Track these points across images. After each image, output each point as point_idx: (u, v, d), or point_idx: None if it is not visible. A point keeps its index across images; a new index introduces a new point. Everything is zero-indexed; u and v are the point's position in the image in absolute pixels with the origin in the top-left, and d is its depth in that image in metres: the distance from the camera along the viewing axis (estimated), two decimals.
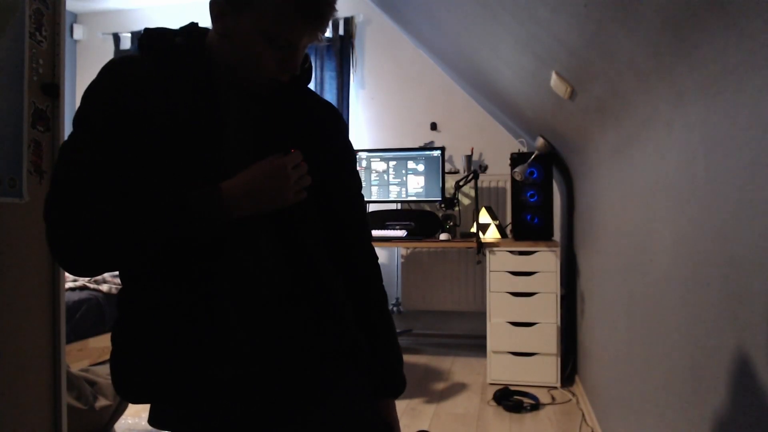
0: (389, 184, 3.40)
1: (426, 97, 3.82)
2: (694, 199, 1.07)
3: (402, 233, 3.08)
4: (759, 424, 0.80)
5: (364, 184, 3.36)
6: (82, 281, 3.03)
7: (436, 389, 2.85)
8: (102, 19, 4.33)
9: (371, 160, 3.43)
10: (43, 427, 1.56)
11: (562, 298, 2.86)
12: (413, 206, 3.52)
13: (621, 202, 1.74)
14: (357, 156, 3.37)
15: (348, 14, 3.83)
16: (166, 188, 0.85)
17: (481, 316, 3.28)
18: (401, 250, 3.74)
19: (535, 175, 2.89)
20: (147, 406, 0.93)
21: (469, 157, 3.58)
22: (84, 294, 2.95)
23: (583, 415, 2.42)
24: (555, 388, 2.79)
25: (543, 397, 2.66)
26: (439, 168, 3.32)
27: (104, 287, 3.06)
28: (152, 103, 0.86)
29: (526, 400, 2.58)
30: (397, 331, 3.64)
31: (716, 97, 0.94)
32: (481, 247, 2.87)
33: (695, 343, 1.06)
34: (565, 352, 2.96)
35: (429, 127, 3.81)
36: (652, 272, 1.36)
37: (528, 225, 2.91)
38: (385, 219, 3.31)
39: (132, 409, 2.32)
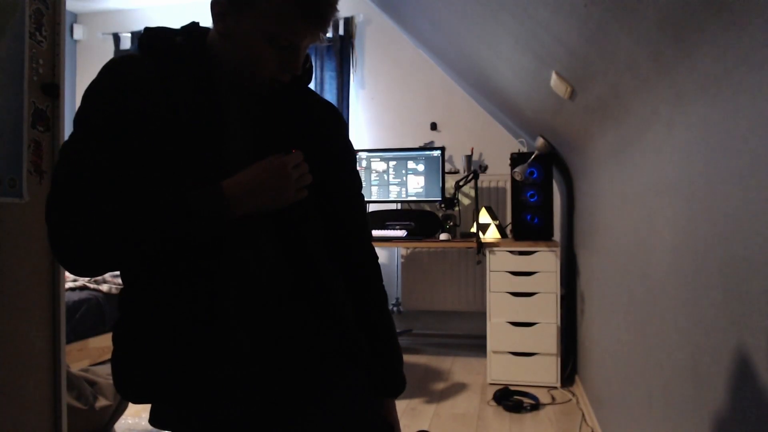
0: (389, 184, 3.40)
1: (426, 97, 3.82)
2: (694, 199, 1.07)
3: (402, 233, 3.08)
4: (759, 424, 0.80)
5: (364, 184, 3.36)
6: (82, 281, 3.03)
7: (436, 389, 2.85)
8: (102, 19, 4.33)
9: (371, 160, 3.43)
10: (43, 427, 1.56)
11: (562, 298, 2.86)
12: (413, 206, 3.52)
13: (621, 202, 1.74)
14: (357, 156, 3.37)
15: (348, 14, 3.83)
16: (167, 188, 0.85)
17: (481, 316, 3.28)
18: (401, 250, 3.74)
19: (535, 175, 2.89)
20: (147, 406, 0.93)
21: (469, 157, 3.58)
22: (84, 294, 2.95)
23: (583, 415, 2.42)
24: (555, 388, 2.79)
25: (543, 397, 2.66)
26: (439, 168, 3.32)
27: (104, 287, 3.06)
28: (153, 102, 0.87)
29: (526, 400, 2.58)
30: (397, 331, 3.64)
31: (716, 97, 0.94)
32: (481, 247, 2.87)
33: (695, 342, 1.06)
34: (565, 352, 2.96)
35: (429, 127, 3.81)
36: (652, 272, 1.36)
37: (528, 225, 2.91)
38: (385, 219, 3.31)
39: (132, 409, 2.32)
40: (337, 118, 1.08)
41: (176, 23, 0.97)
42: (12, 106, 1.45)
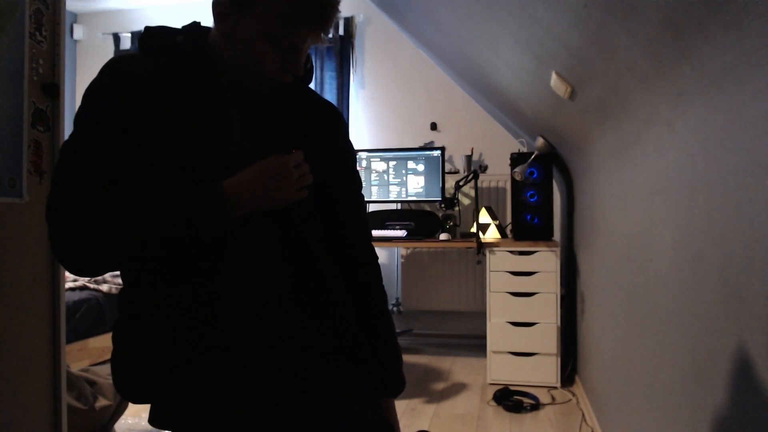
0: (389, 184, 3.40)
1: (426, 97, 3.82)
2: (694, 199, 1.07)
3: (402, 233, 3.08)
4: (759, 424, 0.80)
5: (364, 184, 3.36)
6: (82, 281, 3.03)
7: (436, 389, 2.85)
8: (102, 19, 4.33)
9: (371, 160, 3.43)
10: (43, 427, 1.56)
11: (562, 298, 2.86)
12: (413, 206, 3.52)
13: (621, 202, 1.74)
14: (357, 156, 3.37)
15: (348, 14, 3.83)
16: (168, 187, 0.85)
17: (481, 316, 3.28)
18: (401, 250, 3.74)
19: (535, 175, 2.89)
20: (147, 406, 0.93)
21: (469, 157, 3.58)
22: (84, 294, 2.95)
23: (583, 415, 2.42)
24: (555, 388, 2.79)
25: (543, 397, 2.66)
26: (439, 168, 3.32)
27: (104, 287, 3.06)
28: (153, 102, 0.86)
29: (526, 400, 2.58)
30: (397, 331, 3.64)
31: (716, 97, 0.94)
32: (481, 247, 2.87)
33: (695, 342, 1.06)
34: (565, 352, 2.96)
35: (429, 127, 3.81)
36: (652, 272, 1.36)
37: (528, 225, 2.91)
38: (385, 219, 3.31)
39: (132, 409, 2.32)
40: (337, 118, 1.08)
41: (176, 23, 0.97)
42: (12, 106, 1.45)
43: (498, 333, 2.84)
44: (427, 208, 3.59)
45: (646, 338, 1.43)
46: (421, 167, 3.36)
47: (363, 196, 1.12)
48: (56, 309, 1.59)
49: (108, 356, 0.94)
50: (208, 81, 0.91)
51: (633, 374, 1.58)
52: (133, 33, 4.20)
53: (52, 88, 1.56)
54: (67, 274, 2.42)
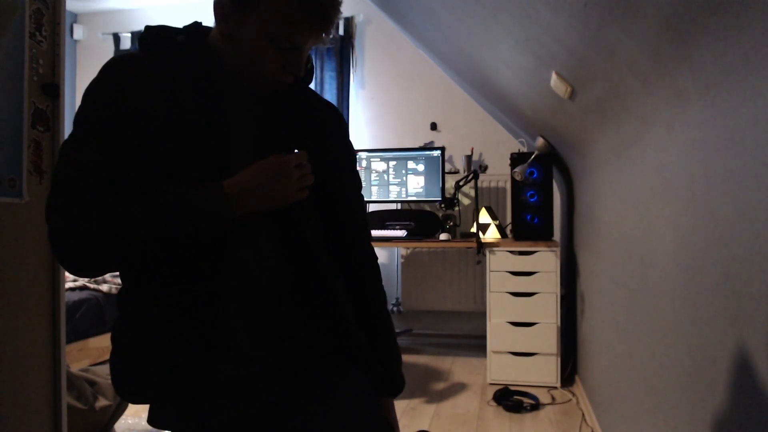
0: (389, 184, 3.40)
1: (426, 97, 3.82)
2: (694, 199, 1.07)
3: (402, 233, 3.08)
4: (759, 424, 0.80)
5: (364, 184, 3.36)
6: (82, 281, 3.03)
7: (436, 389, 2.85)
8: (102, 19, 4.33)
9: (371, 160, 3.43)
10: (43, 427, 1.56)
11: (562, 298, 2.86)
12: (413, 206, 3.52)
13: (621, 202, 1.74)
14: (357, 156, 3.37)
15: (348, 14, 3.83)
16: (169, 187, 0.85)
17: (481, 316, 3.28)
18: (401, 250, 3.74)
19: (535, 175, 2.89)
20: (147, 406, 0.93)
21: (469, 157, 3.58)
22: (84, 294, 2.95)
23: (583, 415, 2.42)
24: (555, 388, 2.79)
25: (543, 397, 2.66)
26: (439, 168, 3.32)
27: (104, 287, 3.06)
28: (154, 102, 0.86)
29: (526, 400, 2.58)
30: (397, 331, 3.64)
31: (716, 97, 0.94)
32: (481, 247, 2.87)
33: (695, 342, 1.06)
34: (565, 352, 2.96)
35: (429, 127, 3.81)
36: (652, 272, 1.36)
37: (528, 225, 2.91)
38: (385, 219, 3.31)
39: (132, 409, 2.32)
40: (337, 119, 1.08)
41: (176, 23, 0.97)
42: (12, 106, 1.45)
43: (498, 333, 2.84)
44: (427, 208, 3.59)
45: (646, 338, 1.43)
46: (421, 167, 3.36)
47: (363, 197, 1.12)
48: (56, 309, 1.59)
49: (108, 356, 0.94)
50: (208, 81, 0.91)
51: (633, 374, 1.58)
52: (133, 33, 4.20)
53: (52, 88, 1.56)
54: (67, 274, 2.42)
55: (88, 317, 2.86)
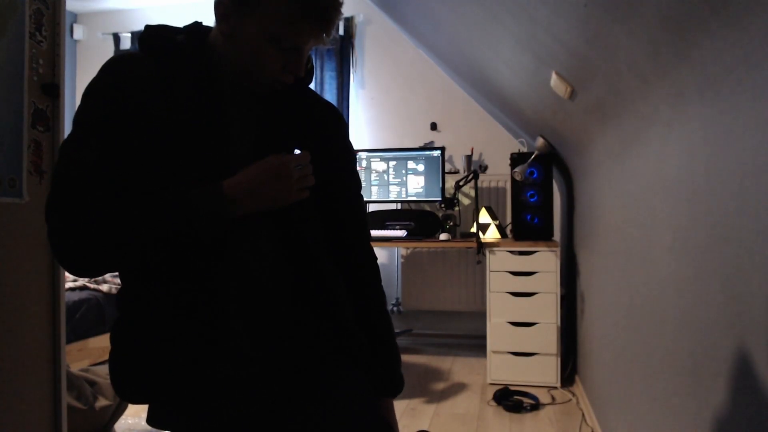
0: (389, 184, 3.40)
1: (426, 97, 3.82)
2: (694, 199, 1.07)
3: (402, 233, 3.08)
4: (759, 424, 0.80)
5: (364, 184, 3.37)
6: (82, 281, 3.03)
7: (436, 389, 2.85)
8: (102, 19, 4.33)
9: (371, 160, 3.43)
10: (43, 427, 1.56)
11: (562, 298, 2.86)
12: (413, 206, 3.52)
13: (621, 202, 1.74)
14: (357, 156, 3.37)
15: (348, 14, 3.83)
16: (169, 187, 0.85)
17: (481, 316, 3.28)
18: (401, 250, 3.74)
19: (535, 175, 2.89)
20: (147, 406, 0.93)
21: (469, 157, 3.58)
22: (84, 294, 2.95)
23: (583, 415, 2.42)
24: (555, 388, 2.79)
25: (543, 397, 2.66)
26: (439, 168, 3.32)
27: (104, 287, 3.06)
28: (154, 101, 0.86)
29: (526, 400, 2.58)
30: (397, 331, 3.64)
31: (716, 97, 0.94)
32: (481, 247, 2.87)
33: (695, 342, 1.06)
34: (565, 352, 2.96)
35: (429, 127, 3.81)
36: (652, 272, 1.36)
37: (528, 225, 2.91)
38: (385, 219, 3.31)
39: (132, 409, 2.32)
40: (337, 119, 1.08)
41: (176, 23, 0.97)
42: (12, 106, 1.45)
43: (498, 333, 2.84)
44: (427, 208, 3.59)
45: (646, 338, 1.43)
46: (421, 167, 3.36)
47: (362, 197, 1.12)
48: (56, 309, 1.59)
49: (108, 356, 0.94)
50: (208, 81, 0.91)
51: (633, 374, 1.58)
52: (133, 33, 4.20)
53: (52, 88, 1.56)
54: (67, 274, 2.42)
55: (88, 317, 2.86)
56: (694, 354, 1.06)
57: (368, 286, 1.08)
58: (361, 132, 3.92)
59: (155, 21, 0.95)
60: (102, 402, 2.05)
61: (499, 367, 2.85)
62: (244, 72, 0.90)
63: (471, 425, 2.36)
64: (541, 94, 2.10)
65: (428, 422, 2.40)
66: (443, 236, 3.08)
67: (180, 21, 0.95)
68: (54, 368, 1.58)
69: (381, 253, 3.76)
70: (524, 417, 2.45)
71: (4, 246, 1.45)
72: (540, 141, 2.79)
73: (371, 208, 3.61)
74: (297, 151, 0.94)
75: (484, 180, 3.62)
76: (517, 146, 3.29)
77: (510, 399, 2.57)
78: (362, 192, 1.11)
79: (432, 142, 3.75)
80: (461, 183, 3.16)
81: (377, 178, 3.42)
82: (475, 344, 3.57)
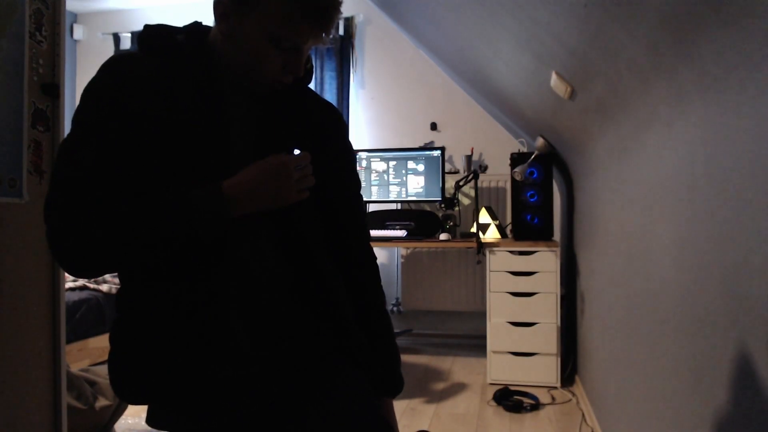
0: (389, 184, 3.40)
1: (426, 97, 3.82)
2: (694, 199, 1.07)
3: (402, 233, 3.08)
4: (759, 424, 0.80)
5: (364, 184, 3.37)
6: (82, 281, 3.03)
7: (436, 389, 2.84)
8: (102, 19, 4.33)
9: (371, 160, 3.43)
10: (43, 427, 1.56)
11: (562, 298, 2.86)
12: (413, 206, 3.52)
13: (621, 202, 1.74)
14: (357, 156, 3.37)
15: (348, 14, 3.83)
16: (169, 188, 0.85)
17: (481, 316, 3.28)
18: (401, 250, 3.74)
19: (535, 175, 2.89)
20: (147, 406, 0.93)
21: (469, 157, 3.58)
22: (84, 294, 2.95)
23: (583, 415, 2.42)
24: (555, 388, 2.79)
25: (543, 397, 2.66)
26: (439, 168, 3.32)
27: (104, 287, 3.06)
28: (153, 101, 0.86)
29: (526, 400, 2.58)
30: (397, 331, 3.64)
31: (716, 96, 0.94)
32: (481, 247, 2.87)
33: (695, 342, 1.06)
34: (565, 352, 2.96)
35: (429, 127, 3.81)
36: (652, 272, 1.36)
37: (528, 225, 2.91)
38: (385, 219, 3.31)
39: (132, 409, 2.32)
40: (337, 119, 1.08)
41: (176, 23, 0.97)
42: (12, 106, 1.45)
43: (498, 333, 2.84)
44: (427, 208, 3.59)
45: (646, 338, 1.43)
46: (421, 167, 3.36)
47: (362, 197, 1.12)
48: (56, 309, 1.59)
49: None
50: (208, 81, 0.91)
51: (633, 374, 1.58)
52: (133, 33, 4.20)
53: (52, 88, 1.56)
54: (67, 273, 2.42)
55: (88, 317, 2.86)
56: (694, 354, 1.06)
57: (368, 286, 1.08)
58: (361, 132, 3.92)
59: (155, 21, 0.95)
60: (102, 402, 2.05)
61: (499, 367, 2.85)
62: (244, 72, 0.90)
63: (471, 425, 2.36)
64: (541, 94, 2.10)
65: (428, 422, 2.40)
66: (443, 236, 3.08)
67: (180, 21, 0.95)
68: (54, 368, 1.58)
69: (381, 253, 3.76)
70: (524, 417, 2.45)
71: (4, 246, 1.45)
72: (540, 141, 2.79)
73: (371, 208, 3.61)
74: (297, 151, 0.94)
75: (484, 180, 3.62)
76: (517, 146, 3.29)
77: (510, 399, 2.57)
78: (362, 192, 1.11)
79: (432, 142, 3.75)
80: (461, 183, 3.16)
81: (377, 178, 3.42)
82: (475, 344, 3.57)
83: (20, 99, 1.47)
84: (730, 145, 0.89)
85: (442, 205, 3.32)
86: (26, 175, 1.49)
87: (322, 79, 3.84)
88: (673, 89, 1.13)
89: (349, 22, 3.83)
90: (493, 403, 2.59)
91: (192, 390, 0.88)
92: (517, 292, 2.83)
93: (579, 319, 2.79)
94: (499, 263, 2.85)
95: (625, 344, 1.69)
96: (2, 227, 1.44)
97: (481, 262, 3.21)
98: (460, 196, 3.55)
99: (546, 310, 2.79)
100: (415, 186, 3.36)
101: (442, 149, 3.35)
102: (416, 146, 3.70)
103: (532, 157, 2.83)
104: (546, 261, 2.80)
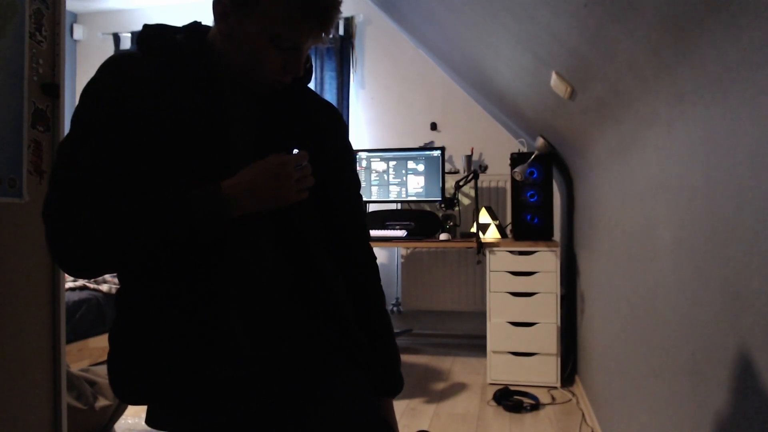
0: (389, 184, 3.40)
1: (426, 97, 3.82)
2: (694, 199, 1.07)
3: (402, 233, 3.08)
4: (760, 424, 0.80)
5: (364, 184, 3.37)
6: (82, 281, 3.03)
7: (436, 389, 2.84)
8: (102, 19, 4.33)
9: (371, 160, 3.43)
10: (43, 427, 1.56)
11: (562, 298, 2.86)
12: (413, 206, 3.52)
13: (621, 202, 1.74)
14: (357, 156, 3.37)
15: (348, 14, 3.83)
16: (168, 188, 0.84)
17: (481, 316, 3.28)
18: (401, 250, 3.74)
19: (535, 175, 2.89)
20: (147, 406, 0.93)
21: (469, 157, 3.58)
22: (84, 294, 2.95)
23: (583, 415, 2.42)
24: (555, 388, 2.79)
25: (543, 397, 2.66)
26: (439, 168, 3.32)
27: (104, 287, 3.06)
28: (153, 101, 0.86)
29: (526, 400, 2.58)
30: (397, 331, 3.64)
31: (716, 97, 0.94)
32: (481, 247, 2.87)
33: (695, 342, 1.06)
34: (565, 352, 2.96)
35: (429, 127, 3.81)
36: (652, 272, 1.36)
37: (528, 225, 2.91)
38: (385, 219, 3.31)
39: (132, 409, 2.32)
40: (337, 119, 1.08)
41: (176, 23, 0.97)
42: (12, 106, 1.45)
43: (498, 333, 2.84)
44: (427, 208, 3.59)
45: (646, 338, 1.43)
46: (421, 167, 3.36)
47: (362, 197, 1.12)
48: (56, 309, 1.59)
49: None
50: (208, 81, 0.91)
51: (633, 374, 1.58)
52: (133, 33, 4.20)
53: (52, 88, 1.56)
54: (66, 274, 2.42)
55: (88, 317, 2.86)
56: (694, 354, 1.06)
57: (368, 286, 1.08)
58: (361, 132, 3.92)
59: (155, 21, 0.95)
60: (102, 402, 2.05)
61: (499, 367, 2.85)
62: (243, 71, 0.90)
63: (471, 425, 2.36)
64: (541, 94, 2.10)
65: (428, 422, 2.40)
66: (443, 236, 3.07)
67: (180, 21, 0.95)
68: (54, 368, 1.58)
69: (381, 253, 3.76)
70: (524, 417, 2.45)
71: (4, 246, 1.45)
72: (540, 141, 2.79)
73: (371, 208, 3.61)
74: (296, 151, 0.94)
75: (484, 180, 3.62)
76: (517, 146, 3.29)
77: (510, 399, 2.57)
78: (362, 192, 1.11)
79: (432, 142, 3.75)
80: (461, 183, 3.16)
81: (377, 178, 3.42)
82: (475, 344, 3.57)
83: (20, 99, 1.47)
84: (730, 145, 0.89)
85: (442, 205, 3.32)
86: (26, 175, 1.49)
87: (322, 79, 3.84)
88: (673, 89, 1.13)
89: (349, 22, 3.83)
90: (493, 403, 2.59)
91: (192, 390, 0.88)
92: (517, 292, 2.83)
93: (579, 319, 2.79)
94: (499, 263, 2.85)
95: (625, 344, 1.69)
96: (2, 227, 1.44)
97: (481, 262, 3.21)
98: (460, 196, 3.55)
99: (546, 310, 2.79)
100: (415, 186, 3.36)
101: (442, 149, 3.35)
102: (416, 146, 3.70)
103: (532, 157, 2.83)
104: (546, 261, 2.80)
